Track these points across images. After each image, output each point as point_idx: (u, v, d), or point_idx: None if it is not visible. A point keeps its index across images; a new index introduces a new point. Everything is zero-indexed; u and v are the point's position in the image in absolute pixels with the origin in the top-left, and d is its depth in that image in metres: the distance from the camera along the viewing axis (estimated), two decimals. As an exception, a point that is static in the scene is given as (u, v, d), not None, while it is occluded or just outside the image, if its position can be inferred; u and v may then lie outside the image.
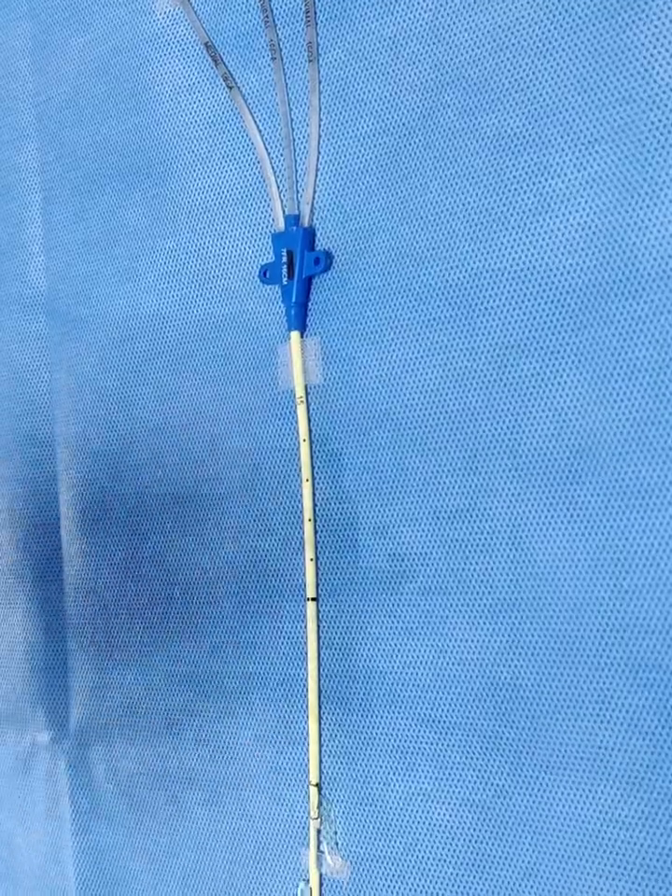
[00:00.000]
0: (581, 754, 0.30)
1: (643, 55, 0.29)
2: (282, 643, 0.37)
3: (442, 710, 0.33)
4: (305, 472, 0.36)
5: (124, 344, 0.42)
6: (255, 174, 0.38)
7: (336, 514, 0.36)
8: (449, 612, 0.33)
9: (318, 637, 0.37)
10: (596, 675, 0.30)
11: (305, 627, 0.37)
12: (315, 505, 0.37)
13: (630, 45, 0.29)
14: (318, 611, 0.37)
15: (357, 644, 0.36)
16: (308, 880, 0.36)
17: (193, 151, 0.39)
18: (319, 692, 0.36)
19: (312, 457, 0.37)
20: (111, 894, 0.42)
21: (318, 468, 0.37)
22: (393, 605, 0.35)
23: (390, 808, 0.35)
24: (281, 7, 0.37)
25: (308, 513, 0.37)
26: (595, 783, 0.30)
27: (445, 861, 0.33)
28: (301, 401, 0.37)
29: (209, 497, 0.39)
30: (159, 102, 0.40)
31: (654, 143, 0.28)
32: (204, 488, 0.39)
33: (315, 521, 0.36)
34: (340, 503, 0.36)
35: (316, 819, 0.36)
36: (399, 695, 0.34)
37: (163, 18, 0.40)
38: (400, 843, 0.34)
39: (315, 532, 0.36)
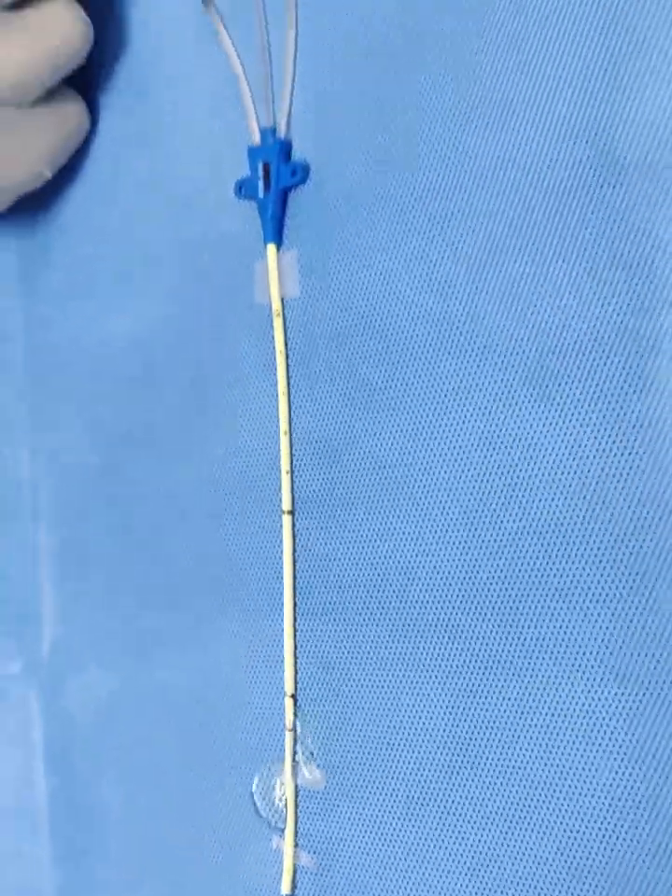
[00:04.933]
0: (554, 647, 0.31)
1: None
2: (258, 557, 0.37)
3: (414, 614, 0.34)
4: (281, 386, 0.36)
5: (98, 270, 0.41)
6: (231, 90, 0.38)
7: (311, 428, 0.36)
8: (421, 518, 0.33)
9: (294, 550, 0.37)
10: (568, 562, 0.30)
11: (281, 540, 0.37)
12: (290, 418, 0.37)
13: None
14: (294, 524, 0.37)
15: (331, 555, 0.36)
16: (282, 789, 0.36)
17: (170, 67, 0.39)
18: (295, 604, 0.36)
19: (287, 371, 0.37)
20: (82, 820, 0.42)
21: (293, 381, 0.37)
22: (366, 515, 0.35)
23: (364, 717, 0.35)
24: None
25: (284, 426, 0.37)
26: (573, 676, 0.30)
27: (420, 766, 0.34)
28: (278, 315, 0.37)
29: (177, 420, 0.39)
30: (134, 14, 0.40)
31: (636, 38, 0.29)
32: (172, 413, 0.39)
33: (291, 434, 0.37)
34: (314, 416, 0.36)
35: (292, 730, 0.37)
36: (372, 603, 0.35)
37: None
38: (375, 752, 0.35)
39: (291, 445, 0.36)
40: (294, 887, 0.37)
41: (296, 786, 0.37)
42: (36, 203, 0.42)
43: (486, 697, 0.32)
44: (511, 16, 0.31)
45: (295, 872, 0.37)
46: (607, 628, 0.29)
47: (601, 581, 0.29)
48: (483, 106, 0.32)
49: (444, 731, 0.33)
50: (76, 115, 0.39)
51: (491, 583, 0.32)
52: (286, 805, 0.37)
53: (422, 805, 0.33)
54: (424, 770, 0.34)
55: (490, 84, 0.31)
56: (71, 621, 0.43)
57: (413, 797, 0.34)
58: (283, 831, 0.37)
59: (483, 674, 0.32)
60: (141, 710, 0.41)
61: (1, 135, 0.37)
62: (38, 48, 0.36)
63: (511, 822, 0.31)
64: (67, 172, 0.41)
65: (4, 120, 0.36)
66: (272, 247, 0.36)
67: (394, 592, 0.34)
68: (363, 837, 0.35)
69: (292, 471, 0.37)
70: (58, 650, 0.43)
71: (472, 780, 0.32)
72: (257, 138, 0.37)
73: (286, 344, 0.37)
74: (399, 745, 0.34)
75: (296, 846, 0.37)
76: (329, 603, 0.36)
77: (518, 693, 0.31)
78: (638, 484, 0.28)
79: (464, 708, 0.33)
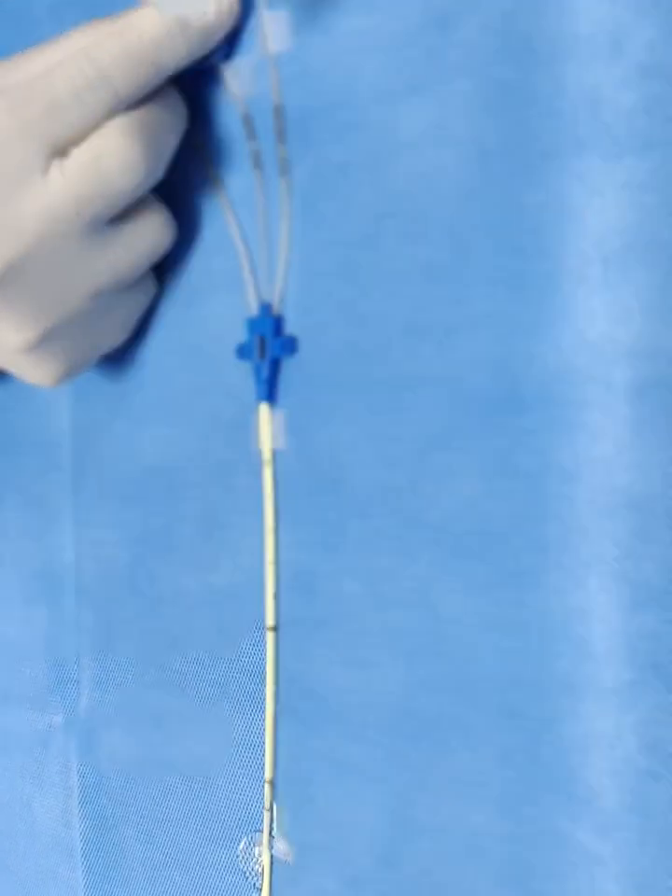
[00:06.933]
0: (464, 779, 0.37)
1: (534, 214, 0.35)
2: (247, 663, 0.45)
3: (367, 731, 0.41)
4: (268, 524, 0.43)
5: (131, 396, 0.49)
6: (236, 266, 0.44)
7: (293, 560, 0.43)
8: (375, 652, 0.40)
9: (276, 661, 0.44)
10: (479, 715, 0.37)
11: (265, 651, 0.44)
12: (276, 551, 0.44)
13: (525, 204, 0.35)
14: (277, 639, 0.44)
15: (306, 669, 0.43)
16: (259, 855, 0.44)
17: (185, 241, 0.46)
18: (275, 706, 0.44)
19: (275, 511, 0.44)
20: (109, 856, 0.51)
21: (280, 520, 0.43)
22: (333, 640, 0.42)
23: (325, 806, 0.42)
24: (261, 123, 0.43)
25: (270, 557, 0.44)
26: (474, 804, 0.37)
27: (365, 852, 0.41)
28: (268, 463, 0.43)
29: (192, 534, 0.46)
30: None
31: (537, 289, 0.35)
32: (188, 526, 0.47)
33: (276, 564, 0.44)
34: (296, 551, 0.43)
35: (269, 809, 0.44)
36: (335, 715, 0.42)
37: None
38: (332, 835, 0.42)
39: (276, 574, 0.44)
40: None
41: (271, 856, 0.44)
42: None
43: (415, 807, 0.39)
44: (451, 256, 0.37)
45: (268, 926, 0.45)
46: (496, 771, 0.36)
47: (499, 731, 0.36)
48: (427, 325, 0.38)
49: (381, 829, 0.40)
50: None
51: (417, 716, 0.39)
52: (263, 870, 0.44)
53: (364, 883, 0.41)
54: (364, 857, 0.41)
55: (434, 309, 0.38)
56: (104, 688, 0.51)
57: (357, 877, 0.41)
58: (260, 890, 0.45)
59: (411, 789, 0.39)
60: (155, 774, 0.49)
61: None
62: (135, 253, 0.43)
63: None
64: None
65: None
66: (264, 406, 0.43)
67: (348, 707, 0.41)
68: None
69: (277, 595, 0.44)
70: (92, 712, 0.51)
71: (401, 871, 0.39)
72: (255, 311, 0.43)
73: (274, 489, 0.43)
74: (348, 832, 0.41)
75: (270, 904, 0.44)
76: (300, 707, 0.43)
77: (435, 807, 0.38)
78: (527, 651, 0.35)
79: (396, 812, 0.40)
